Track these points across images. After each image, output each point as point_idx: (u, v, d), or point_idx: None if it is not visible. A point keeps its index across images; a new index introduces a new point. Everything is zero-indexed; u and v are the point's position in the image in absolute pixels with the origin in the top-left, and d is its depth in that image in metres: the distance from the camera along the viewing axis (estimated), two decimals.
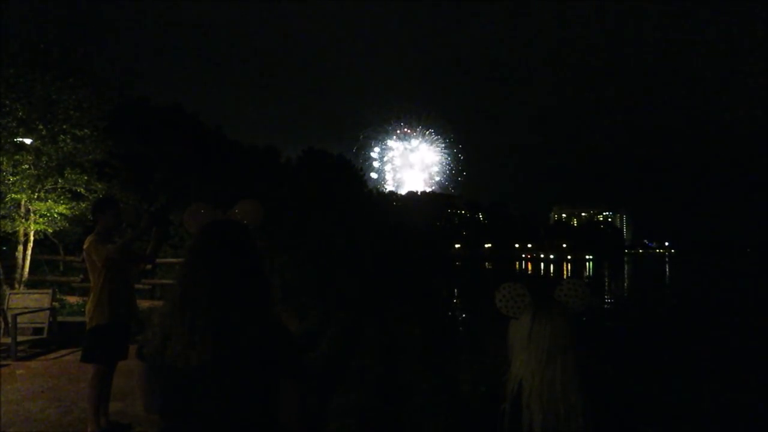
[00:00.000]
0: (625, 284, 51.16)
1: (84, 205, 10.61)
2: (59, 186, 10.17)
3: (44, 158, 9.61)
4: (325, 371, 6.25)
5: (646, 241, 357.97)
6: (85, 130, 9.77)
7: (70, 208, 10.29)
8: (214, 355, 1.43)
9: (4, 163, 9.16)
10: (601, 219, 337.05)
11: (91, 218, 5.46)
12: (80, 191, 10.42)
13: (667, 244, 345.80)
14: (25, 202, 9.70)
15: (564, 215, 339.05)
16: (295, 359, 1.54)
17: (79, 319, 8.56)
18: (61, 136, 9.60)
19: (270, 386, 1.47)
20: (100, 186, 10.78)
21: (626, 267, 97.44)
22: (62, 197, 10.22)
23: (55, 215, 10.08)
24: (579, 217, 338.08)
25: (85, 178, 10.33)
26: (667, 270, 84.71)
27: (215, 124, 24.40)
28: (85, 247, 4.42)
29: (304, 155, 26.44)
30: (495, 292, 1.70)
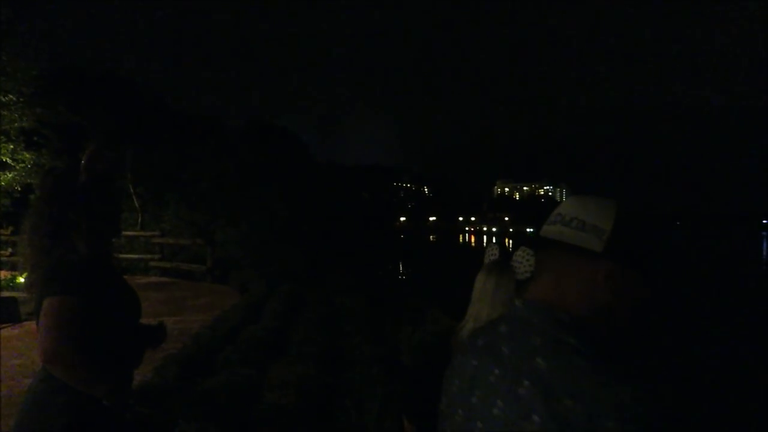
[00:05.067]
0: None
1: (11, 175, 10.13)
2: None
3: None
4: (266, 343, 6.28)
5: None
6: (10, 96, 9.26)
7: None
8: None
9: None
10: (542, 193, 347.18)
11: None
12: (6, 161, 9.93)
13: None
14: None
15: (507, 189, 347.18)
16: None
17: (5, 294, 8.23)
18: None
19: None
20: (27, 156, 10.30)
21: None
22: None
23: None
24: (521, 191, 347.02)
25: (11, 146, 9.86)
26: None
27: (155, 93, 23.46)
28: None
29: (247, 126, 25.75)
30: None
